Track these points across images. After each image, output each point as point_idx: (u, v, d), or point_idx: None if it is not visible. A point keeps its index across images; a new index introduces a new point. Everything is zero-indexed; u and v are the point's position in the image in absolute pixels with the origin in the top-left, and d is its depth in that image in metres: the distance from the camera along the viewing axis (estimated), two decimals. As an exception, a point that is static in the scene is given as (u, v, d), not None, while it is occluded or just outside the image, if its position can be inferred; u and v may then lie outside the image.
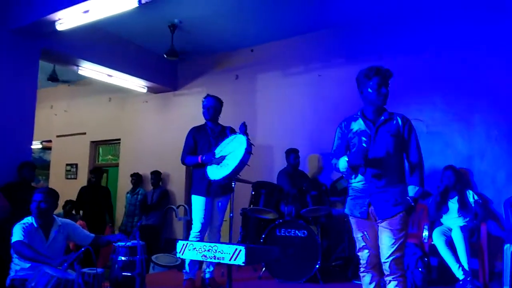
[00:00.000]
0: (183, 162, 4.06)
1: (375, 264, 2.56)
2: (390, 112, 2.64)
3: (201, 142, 4.02)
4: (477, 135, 4.69)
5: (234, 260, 1.86)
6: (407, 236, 2.50)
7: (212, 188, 3.90)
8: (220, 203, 4.03)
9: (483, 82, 4.77)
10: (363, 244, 2.57)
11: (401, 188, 2.50)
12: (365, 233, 2.56)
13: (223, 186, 3.93)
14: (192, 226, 3.94)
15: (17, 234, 3.06)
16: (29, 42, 5.24)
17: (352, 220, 2.64)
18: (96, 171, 7.12)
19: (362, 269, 2.61)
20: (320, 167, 5.88)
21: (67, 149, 8.86)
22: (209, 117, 4.09)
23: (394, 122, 2.58)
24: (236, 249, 1.85)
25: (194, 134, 4.07)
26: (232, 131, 4.04)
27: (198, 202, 3.93)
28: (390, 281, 2.46)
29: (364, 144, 2.51)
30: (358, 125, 2.67)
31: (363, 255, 2.59)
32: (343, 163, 2.57)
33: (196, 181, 4.00)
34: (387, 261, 2.43)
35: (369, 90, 2.61)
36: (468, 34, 4.95)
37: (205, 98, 4.16)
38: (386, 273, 2.47)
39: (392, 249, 2.42)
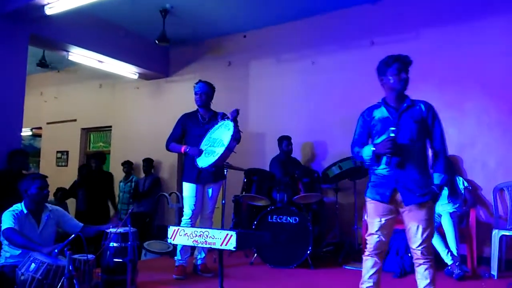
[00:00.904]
0: (167, 147, 4.03)
1: (381, 251, 2.59)
2: (412, 99, 2.64)
3: (192, 129, 4.00)
4: (468, 122, 4.72)
5: (225, 245, 1.86)
6: (433, 223, 2.54)
7: (202, 175, 3.89)
8: (211, 190, 4.02)
9: (474, 69, 4.79)
10: (376, 229, 2.57)
11: (426, 175, 2.51)
12: (382, 219, 2.56)
13: (215, 173, 3.92)
14: (183, 213, 3.94)
15: (7, 221, 3.05)
16: (18, 27, 5.15)
17: (370, 205, 2.63)
18: (98, 156, 6.88)
19: (366, 253, 2.62)
20: (313, 155, 5.89)
21: (57, 136, 8.78)
22: (201, 103, 4.06)
23: (417, 108, 2.58)
24: (227, 234, 1.85)
25: (185, 121, 4.04)
26: (224, 117, 4.02)
27: (189, 189, 3.92)
28: (420, 264, 2.52)
29: (392, 134, 2.49)
30: (380, 112, 2.67)
31: (372, 239, 2.59)
32: (368, 151, 2.59)
33: (187, 168, 3.98)
34: (418, 249, 2.49)
35: (389, 77, 2.62)
36: (460, 21, 4.95)
37: (196, 84, 4.12)
38: (417, 257, 2.53)
39: (422, 238, 2.47)
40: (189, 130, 4.02)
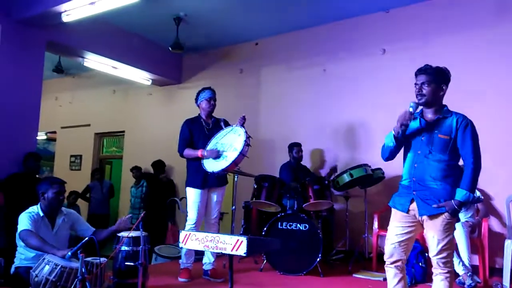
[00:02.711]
0: (181, 154, 4.05)
1: (398, 260, 2.56)
2: (450, 111, 2.59)
3: (196, 135, 4.04)
4: (480, 130, 4.67)
5: (236, 250, 1.89)
6: (453, 238, 2.50)
7: (207, 180, 3.93)
8: (216, 195, 4.06)
9: (487, 76, 4.77)
10: (391, 237, 2.59)
11: (448, 189, 2.47)
12: (399, 228, 2.57)
13: (218, 178, 3.96)
14: (187, 218, 3.97)
15: (23, 223, 3.11)
16: (35, 33, 5.27)
17: (392, 212, 2.66)
18: (159, 164, 6.98)
19: (386, 263, 2.63)
20: (323, 162, 5.90)
21: (71, 140, 8.93)
22: (212, 110, 4.11)
23: (449, 122, 2.53)
24: (238, 240, 1.88)
25: (190, 126, 4.07)
26: (226, 124, 4.06)
27: (193, 195, 3.96)
28: (436, 274, 2.50)
29: (411, 109, 2.52)
30: (413, 123, 2.65)
31: (386, 247, 2.61)
32: (389, 135, 2.62)
33: (192, 173, 4.01)
34: (434, 259, 2.48)
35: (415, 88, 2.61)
36: (469, 28, 4.94)
37: (204, 90, 4.15)
38: (434, 267, 2.52)
39: (438, 249, 2.45)
40: (193, 136, 4.04)
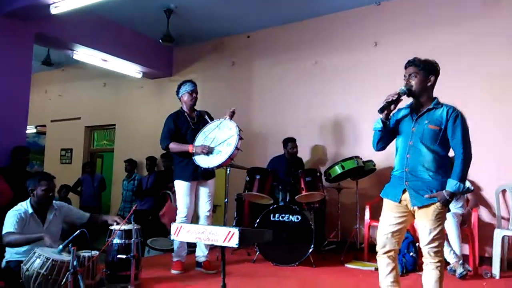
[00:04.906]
0: (165, 147, 3.93)
1: (390, 251, 2.58)
2: (440, 102, 2.60)
3: (183, 129, 3.98)
4: (470, 122, 4.70)
5: (228, 242, 1.89)
6: (443, 228, 2.52)
7: (196, 173, 3.90)
8: (207, 188, 4.04)
9: (476, 69, 4.81)
10: (383, 226, 2.61)
11: (439, 180, 2.49)
12: (391, 218, 2.59)
13: (207, 171, 3.90)
14: (178, 212, 3.95)
15: (7, 223, 3.07)
16: (23, 26, 5.19)
17: (384, 203, 2.68)
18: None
19: (378, 253, 2.65)
20: (317, 155, 5.91)
21: (61, 134, 8.86)
22: (195, 103, 4.08)
23: (439, 113, 2.56)
24: (230, 231, 1.88)
25: (175, 120, 3.99)
26: (209, 116, 4.05)
27: (183, 188, 3.92)
28: (427, 264, 2.53)
29: (399, 90, 2.55)
30: (404, 114, 2.69)
31: (379, 238, 2.63)
32: (378, 120, 2.65)
33: (180, 166, 3.96)
34: (425, 248, 2.51)
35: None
36: (462, 20, 4.96)
37: (186, 83, 4.08)
38: (424, 256, 2.54)
39: (428, 239, 2.47)
40: (178, 131, 3.97)
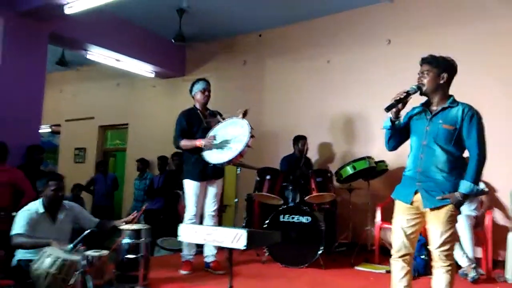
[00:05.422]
0: (177, 145, 3.97)
1: (405, 254, 2.54)
2: (456, 101, 2.53)
3: (195, 127, 4.00)
4: (486, 123, 4.62)
5: (235, 243, 1.87)
6: (455, 231, 2.46)
7: (205, 172, 3.91)
8: (215, 187, 4.05)
9: (493, 68, 4.72)
10: (397, 229, 2.56)
11: (452, 181, 2.43)
12: (404, 220, 2.54)
13: (216, 170, 3.92)
14: (186, 210, 3.96)
15: (17, 224, 3.10)
16: (38, 26, 5.25)
17: (396, 204, 2.63)
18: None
19: (392, 256, 2.60)
20: (329, 154, 5.87)
21: (75, 133, 8.96)
22: (207, 101, 4.09)
23: (454, 112, 2.48)
24: (237, 233, 1.86)
25: (187, 118, 4.02)
26: (221, 116, 4.06)
27: (192, 187, 3.93)
28: (437, 268, 2.48)
29: (409, 89, 2.51)
30: (419, 113, 2.64)
31: (394, 240, 2.58)
32: (386, 120, 2.63)
33: (190, 165, 3.98)
34: (436, 252, 2.45)
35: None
36: (476, 19, 4.87)
37: (199, 81, 4.12)
38: (434, 260, 2.49)
39: (440, 241, 2.42)
40: (190, 128, 3.99)
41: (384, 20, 5.53)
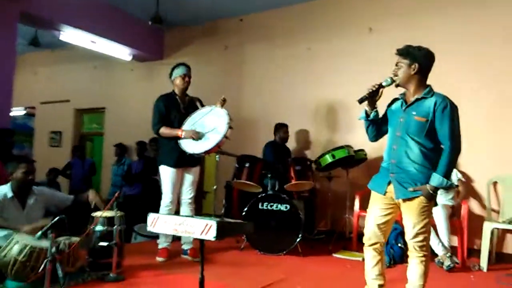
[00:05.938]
0: (156, 131, 3.88)
1: (375, 243, 2.54)
2: (431, 92, 2.47)
3: (173, 113, 3.91)
4: (462, 112, 4.63)
5: (205, 234, 1.82)
6: (429, 222, 2.44)
7: (182, 159, 3.82)
8: (192, 175, 3.98)
9: (469, 58, 4.72)
10: (370, 218, 2.57)
11: (425, 173, 2.40)
12: (377, 210, 2.54)
13: (192, 158, 3.84)
14: (162, 197, 3.89)
15: None
16: (7, 4, 5.03)
17: (371, 194, 2.63)
18: None
19: (364, 245, 2.61)
20: (307, 142, 5.83)
21: (51, 116, 8.70)
22: (186, 86, 3.98)
23: (427, 103, 2.43)
24: (207, 224, 1.80)
25: (165, 103, 3.92)
26: (201, 104, 3.96)
27: (168, 173, 3.86)
28: (412, 258, 2.49)
29: (384, 82, 2.51)
30: (396, 104, 2.61)
31: (365, 229, 2.59)
32: (362, 112, 2.65)
33: (166, 152, 3.90)
34: (410, 242, 2.46)
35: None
36: (457, 8, 4.85)
37: (180, 66, 4.01)
38: (409, 250, 2.50)
39: (412, 233, 2.42)
40: (168, 114, 3.89)
41: (365, 7, 5.47)
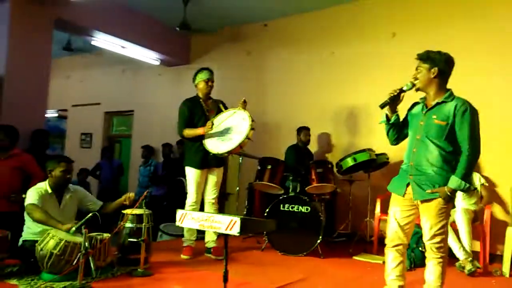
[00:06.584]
0: (182, 133, 4.03)
1: (398, 245, 2.60)
2: (452, 96, 2.53)
3: (197, 116, 4.04)
4: (490, 118, 4.60)
5: (230, 230, 1.94)
6: (446, 224, 2.49)
7: (206, 160, 3.97)
8: (215, 176, 4.10)
9: (499, 60, 4.69)
10: (391, 220, 2.63)
11: (444, 175, 2.46)
12: (398, 211, 2.61)
13: (216, 159, 3.98)
14: (187, 197, 4.03)
15: (31, 197, 3.20)
16: (43, 11, 5.27)
17: (392, 196, 2.70)
18: None
19: (386, 246, 2.67)
20: (330, 146, 5.90)
21: (82, 118, 9.04)
22: (209, 90, 4.12)
23: (447, 107, 2.49)
24: (232, 220, 1.92)
25: (190, 107, 4.06)
26: (224, 106, 4.09)
27: (192, 174, 4.00)
28: (430, 259, 2.54)
29: (405, 87, 2.58)
30: (417, 108, 2.69)
31: (388, 231, 2.65)
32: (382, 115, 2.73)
33: (191, 153, 4.04)
34: (427, 243, 2.51)
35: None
36: (480, 11, 4.83)
37: (203, 70, 4.14)
38: (427, 252, 2.55)
39: (430, 234, 2.47)
40: (192, 117, 4.04)
41: (389, 12, 5.51)
